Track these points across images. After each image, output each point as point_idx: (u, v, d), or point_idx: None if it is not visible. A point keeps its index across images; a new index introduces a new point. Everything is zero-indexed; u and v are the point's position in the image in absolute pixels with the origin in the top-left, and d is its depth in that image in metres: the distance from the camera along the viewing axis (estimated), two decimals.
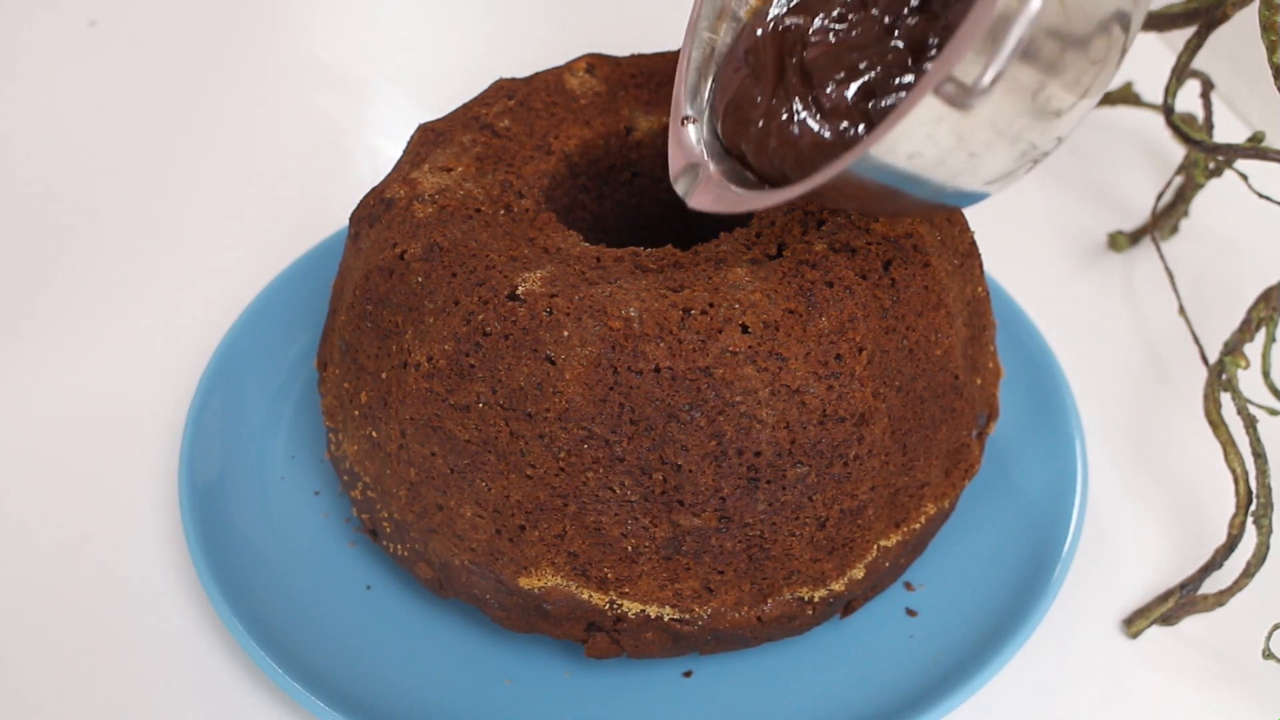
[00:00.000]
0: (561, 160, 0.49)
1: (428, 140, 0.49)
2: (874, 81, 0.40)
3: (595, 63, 0.51)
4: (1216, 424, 0.51)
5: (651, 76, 0.51)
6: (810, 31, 0.42)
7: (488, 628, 0.49)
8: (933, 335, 0.45)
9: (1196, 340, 0.55)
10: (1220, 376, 0.51)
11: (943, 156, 0.35)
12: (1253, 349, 0.59)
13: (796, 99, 0.41)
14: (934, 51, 0.39)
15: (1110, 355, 0.61)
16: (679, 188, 0.43)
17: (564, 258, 0.44)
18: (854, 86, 0.40)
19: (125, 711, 0.48)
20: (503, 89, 0.50)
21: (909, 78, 0.39)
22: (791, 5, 0.43)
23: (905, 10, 0.40)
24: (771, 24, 0.43)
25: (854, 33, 0.41)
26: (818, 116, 0.40)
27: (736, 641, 0.46)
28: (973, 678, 0.45)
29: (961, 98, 0.33)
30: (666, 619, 0.44)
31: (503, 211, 0.46)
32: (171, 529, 0.53)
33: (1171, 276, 0.59)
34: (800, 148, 0.40)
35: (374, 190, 0.48)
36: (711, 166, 0.43)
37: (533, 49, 0.77)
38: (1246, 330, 0.52)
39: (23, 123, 0.73)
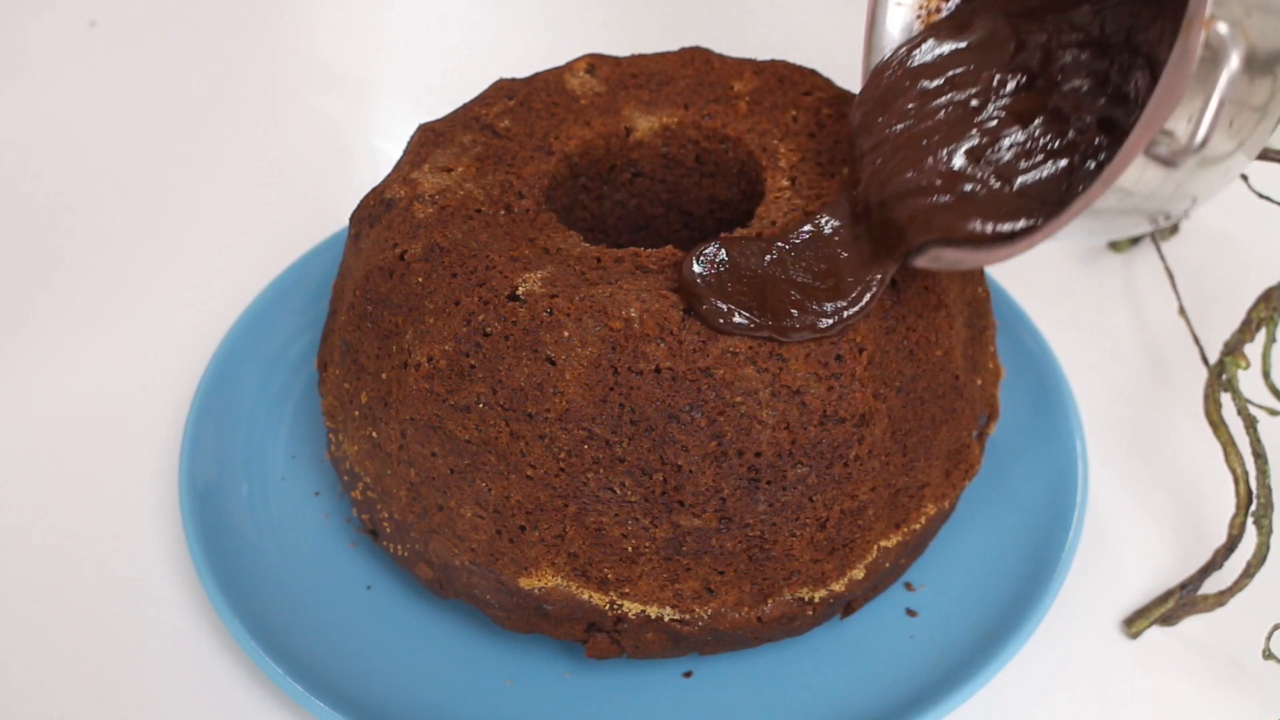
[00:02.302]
0: (561, 160, 0.49)
1: (428, 140, 0.49)
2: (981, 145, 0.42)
3: (595, 63, 0.51)
4: (1216, 424, 0.51)
5: (652, 77, 0.51)
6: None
7: (488, 628, 0.49)
8: (933, 336, 0.45)
9: (1196, 340, 0.55)
10: (1220, 376, 0.51)
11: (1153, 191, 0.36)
12: (1253, 349, 0.59)
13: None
14: (1041, 119, 0.41)
15: (1110, 355, 0.61)
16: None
17: (564, 258, 0.44)
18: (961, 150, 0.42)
19: (125, 711, 0.48)
20: (503, 89, 0.50)
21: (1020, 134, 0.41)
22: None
23: (1005, 92, 0.43)
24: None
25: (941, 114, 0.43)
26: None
27: (737, 642, 0.46)
28: (973, 678, 0.45)
29: (1174, 156, 0.34)
30: (667, 619, 0.44)
31: (503, 212, 0.46)
32: (171, 529, 0.53)
33: (1171, 276, 0.59)
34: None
35: (374, 190, 0.48)
36: None
37: (533, 49, 0.76)
38: (1246, 330, 0.52)
39: (23, 123, 0.73)
